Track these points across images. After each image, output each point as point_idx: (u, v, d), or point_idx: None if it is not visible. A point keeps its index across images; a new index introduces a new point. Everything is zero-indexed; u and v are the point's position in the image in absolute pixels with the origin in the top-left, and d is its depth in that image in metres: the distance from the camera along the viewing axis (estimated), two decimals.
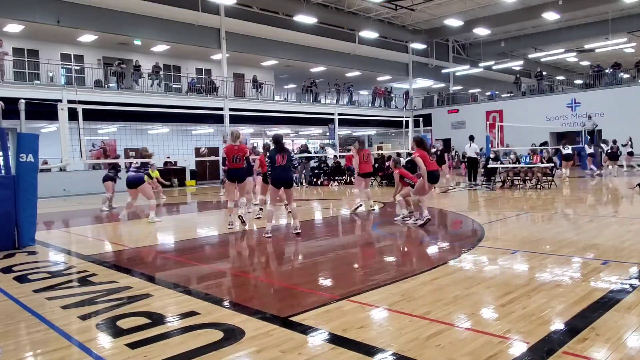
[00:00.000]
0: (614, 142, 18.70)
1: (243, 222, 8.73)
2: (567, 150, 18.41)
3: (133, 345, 3.15)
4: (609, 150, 18.66)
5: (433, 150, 17.33)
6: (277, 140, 7.56)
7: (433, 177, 7.85)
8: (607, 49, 29.39)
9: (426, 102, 34.82)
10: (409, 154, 17.81)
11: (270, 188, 7.61)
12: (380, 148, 34.52)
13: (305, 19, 24.59)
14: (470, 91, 35.41)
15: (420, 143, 8.03)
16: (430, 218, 7.97)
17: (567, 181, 16.73)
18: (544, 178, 14.19)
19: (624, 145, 19.03)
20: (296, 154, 19.20)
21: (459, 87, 36.83)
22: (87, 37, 21.45)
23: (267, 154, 7.76)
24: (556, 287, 4.17)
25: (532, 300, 3.81)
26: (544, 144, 19.44)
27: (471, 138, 16.18)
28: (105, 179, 12.35)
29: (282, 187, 7.53)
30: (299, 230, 7.55)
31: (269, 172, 7.71)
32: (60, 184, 17.70)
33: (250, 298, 4.32)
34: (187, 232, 8.95)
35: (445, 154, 16.46)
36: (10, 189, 6.84)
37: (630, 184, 13.69)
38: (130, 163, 10.14)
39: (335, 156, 19.89)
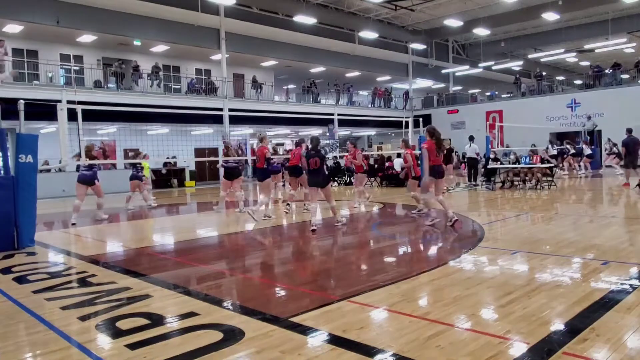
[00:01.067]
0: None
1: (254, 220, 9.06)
2: (553, 151, 18.50)
3: (133, 346, 3.15)
4: (615, 150, 18.54)
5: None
6: (313, 144, 8.00)
7: (435, 172, 7.70)
8: (607, 49, 29.40)
9: (426, 103, 34.84)
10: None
11: (309, 188, 8.26)
12: (380, 148, 34.54)
13: (305, 19, 24.60)
14: (470, 91, 35.45)
15: (432, 134, 7.65)
16: (436, 221, 8.01)
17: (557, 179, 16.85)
18: (544, 178, 14.19)
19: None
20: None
21: (459, 88, 36.85)
22: (87, 38, 21.45)
23: (304, 155, 8.39)
24: (556, 287, 4.16)
25: (532, 300, 3.81)
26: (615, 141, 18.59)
27: (471, 138, 16.19)
28: (132, 177, 12.66)
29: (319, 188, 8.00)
30: (339, 224, 8.09)
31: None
32: (60, 184, 17.68)
33: (250, 298, 4.32)
34: (186, 232, 8.94)
35: (453, 153, 16.52)
36: (10, 190, 6.82)
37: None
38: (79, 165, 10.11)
39: (335, 157, 19.87)
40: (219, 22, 23.90)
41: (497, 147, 19.82)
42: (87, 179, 9.81)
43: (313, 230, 7.59)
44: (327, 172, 8.23)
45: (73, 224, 9.47)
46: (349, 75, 32.31)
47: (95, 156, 10.09)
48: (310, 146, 8.10)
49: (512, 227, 7.83)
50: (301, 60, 28.26)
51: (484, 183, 15.42)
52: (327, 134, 29.70)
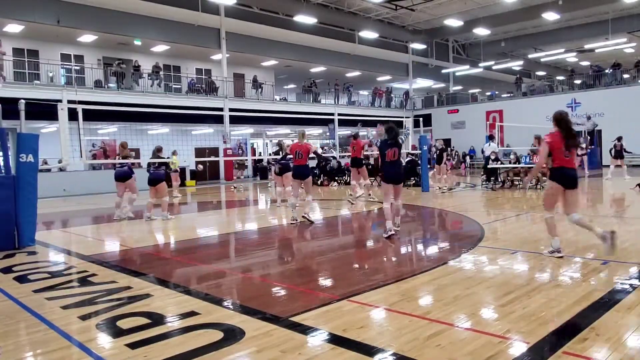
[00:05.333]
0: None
1: (310, 221, 8.70)
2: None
3: (133, 346, 3.15)
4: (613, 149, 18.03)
5: (433, 150, 17.31)
6: (390, 131, 6.89)
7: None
8: (607, 49, 29.40)
9: (426, 102, 34.86)
10: (408, 154, 17.83)
11: (383, 185, 7.10)
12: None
13: (305, 19, 24.60)
14: (470, 91, 35.44)
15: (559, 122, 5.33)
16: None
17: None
18: (544, 178, 14.18)
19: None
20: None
21: (459, 87, 36.85)
22: (87, 37, 21.45)
23: (377, 145, 7.28)
24: (556, 287, 4.17)
25: (532, 300, 3.81)
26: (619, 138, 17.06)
27: (491, 137, 16.29)
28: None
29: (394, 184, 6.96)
30: (398, 228, 7.14)
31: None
32: (60, 184, 17.70)
33: (250, 298, 4.32)
34: (187, 232, 8.95)
35: (445, 154, 16.36)
36: (10, 189, 6.83)
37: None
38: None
39: (334, 157, 19.85)
40: (220, 21, 23.90)
41: (498, 146, 19.66)
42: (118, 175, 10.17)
43: (389, 237, 6.72)
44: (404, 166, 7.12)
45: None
46: (349, 75, 32.32)
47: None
48: (386, 136, 6.90)
49: (512, 227, 7.83)
50: (301, 60, 28.26)
51: (483, 183, 15.43)
52: (328, 134, 29.69)
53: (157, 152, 10.22)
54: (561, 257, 5.23)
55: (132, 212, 10.40)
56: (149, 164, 10.13)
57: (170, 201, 10.71)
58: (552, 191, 5.35)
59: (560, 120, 5.30)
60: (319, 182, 20.31)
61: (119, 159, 10.26)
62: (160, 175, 9.95)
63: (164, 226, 9.40)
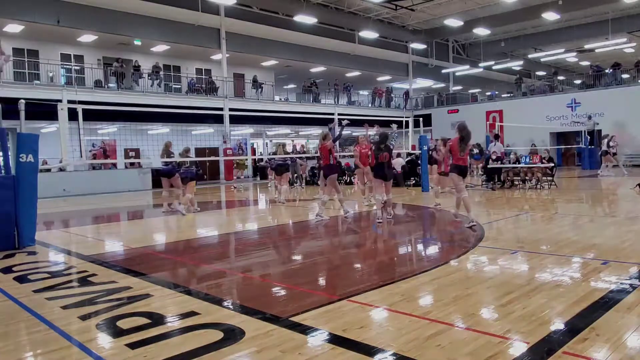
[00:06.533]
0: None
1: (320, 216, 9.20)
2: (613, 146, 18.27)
3: (133, 346, 3.15)
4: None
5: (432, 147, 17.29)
6: (382, 139, 8.36)
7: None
8: (607, 49, 29.41)
9: (426, 102, 34.87)
10: (408, 154, 17.84)
11: (374, 180, 8.68)
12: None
13: (305, 19, 24.61)
14: (470, 91, 35.46)
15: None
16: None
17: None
18: (544, 178, 14.19)
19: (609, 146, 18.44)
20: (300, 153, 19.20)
21: (459, 87, 36.86)
22: (87, 37, 21.47)
23: (372, 148, 8.73)
24: (556, 287, 4.16)
25: (532, 300, 3.81)
26: None
27: (496, 137, 16.23)
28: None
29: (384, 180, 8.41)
30: (391, 216, 8.66)
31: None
32: (60, 184, 17.70)
33: (250, 298, 4.32)
34: (187, 231, 8.95)
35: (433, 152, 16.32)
36: (10, 189, 6.83)
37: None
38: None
39: (335, 157, 19.86)
40: (220, 21, 23.91)
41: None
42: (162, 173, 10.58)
43: (379, 222, 8.13)
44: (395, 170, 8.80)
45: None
46: (349, 75, 32.33)
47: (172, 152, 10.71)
48: (379, 141, 8.36)
49: (512, 227, 7.83)
50: (301, 60, 28.27)
51: (484, 183, 15.42)
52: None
53: (186, 152, 10.78)
54: (474, 225, 7.29)
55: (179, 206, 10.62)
56: (180, 164, 10.60)
57: (186, 201, 10.98)
58: (457, 179, 7.63)
59: (462, 130, 7.50)
60: (319, 182, 20.29)
61: (164, 157, 10.57)
62: (191, 173, 10.55)
63: (164, 226, 9.39)
